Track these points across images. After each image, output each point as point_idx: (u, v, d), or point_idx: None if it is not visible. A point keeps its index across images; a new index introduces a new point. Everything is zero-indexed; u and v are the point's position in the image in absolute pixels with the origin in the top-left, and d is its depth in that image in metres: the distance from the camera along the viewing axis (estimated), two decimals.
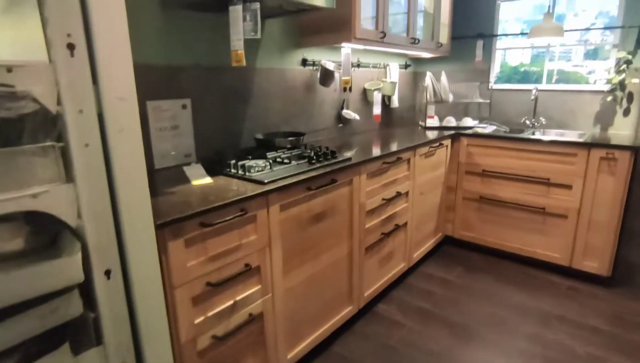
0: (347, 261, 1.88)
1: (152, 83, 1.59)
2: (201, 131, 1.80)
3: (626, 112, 2.64)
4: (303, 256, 1.60)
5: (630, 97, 2.60)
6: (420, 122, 3.20)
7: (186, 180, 1.47)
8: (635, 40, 2.53)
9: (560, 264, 2.51)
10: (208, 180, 1.46)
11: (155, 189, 1.35)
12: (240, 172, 1.51)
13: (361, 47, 2.34)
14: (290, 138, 1.83)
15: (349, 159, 1.78)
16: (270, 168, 1.54)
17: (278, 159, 1.69)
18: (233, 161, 1.56)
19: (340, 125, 2.64)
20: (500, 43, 3.06)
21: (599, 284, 2.41)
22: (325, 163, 1.68)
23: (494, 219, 2.71)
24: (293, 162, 1.65)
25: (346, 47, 2.30)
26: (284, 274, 1.51)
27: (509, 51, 3.08)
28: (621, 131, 2.66)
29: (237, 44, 1.38)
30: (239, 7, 1.35)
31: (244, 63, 1.42)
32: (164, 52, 1.62)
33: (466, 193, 2.79)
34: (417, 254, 2.53)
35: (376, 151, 2.01)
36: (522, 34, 2.93)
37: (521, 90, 2.95)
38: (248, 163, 1.56)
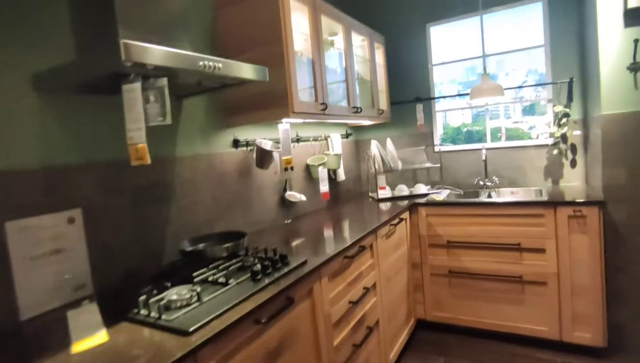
0: None
1: (19, 195, 1.11)
2: (102, 249, 1.31)
3: (573, 164, 2.59)
4: None
5: (573, 149, 2.57)
6: (370, 194, 2.94)
7: (65, 340, 0.96)
8: (567, 94, 2.56)
9: (549, 338, 2.22)
10: (100, 337, 0.96)
11: None
12: (153, 314, 1.03)
13: (300, 120, 2.06)
14: (226, 245, 1.40)
15: (304, 262, 1.38)
16: (199, 299, 1.09)
17: (210, 279, 1.24)
18: (143, 297, 1.09)
19: (284, 210, 2.27)
20: (439, 105, 2.99)
21: (596, 356, 2.14)
22: (276, 274, 1.26)
23: (467, 294, 2.41)
24: (232, 281, 1.21)
25: (284, 123, 2.00)
26: None
27: (449, 113, 3.02)
28: (572, 182, 2.59)
29: (137, 135, 0.98)
30: (137, 86, 0.97)
31: (148, 160, 1.01)
32: (41, 151, 1.17)
33: (433, 269, 2.49)
34: (393, 354, 2.11)
35: (333, 243, 1.64)
36: (460, 95, 2.89)
37: (469, 150, 2.84)
38: (166, 295, 1.10)
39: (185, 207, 1.63)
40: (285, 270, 1.30)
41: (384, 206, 2.47)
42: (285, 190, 2.26)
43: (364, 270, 1.81)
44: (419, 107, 2.96)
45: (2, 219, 1.08)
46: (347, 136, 3.06)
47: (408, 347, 2.40)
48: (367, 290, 1.78)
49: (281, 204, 2.25)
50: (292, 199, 2.23)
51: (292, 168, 2.28)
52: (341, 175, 2.79)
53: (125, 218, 1.39)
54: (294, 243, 1.70)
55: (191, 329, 0.93)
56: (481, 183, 2.76)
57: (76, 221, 1.26)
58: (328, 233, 1.86)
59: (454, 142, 3.00)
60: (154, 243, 1.49)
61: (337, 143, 2.74)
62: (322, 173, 2.42)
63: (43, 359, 0.89)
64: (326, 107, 1.99)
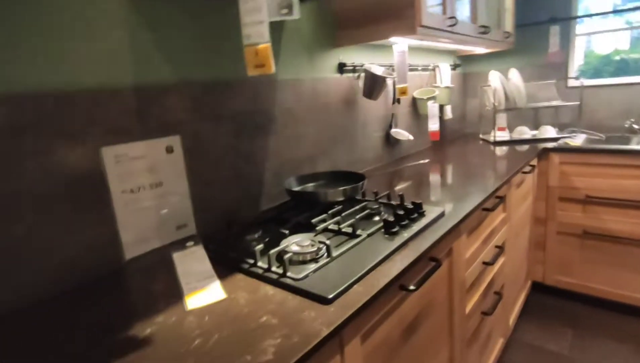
0: None
1: (111, 118, 0.92)
2: (201, 184, 1.13)
3: None
4: None
5: None
6: (482, 136, 2.51)
7: (176, 292, 0.79)
8: None
9: None
10: (216, 291, 0.78)
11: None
12: (274, 268, 0.82)
13: (416, 42, 1.67)
14: (344, 187, 1.14)
15: (442, 214, 1.09)
16: (328, 254, 0.85)
17: (332, 228, 1.01)
18: (260, 246, 0.88)
19: (389, 149, 1.96)
20: (580, 28, 2.37)
21: None
22: (414, 227, 0.99)
23: (605, 260, 1.99)
24: (360, 232, 0.96)
25: (400, 44, 1.63)
26: None
27: (595, 37, 2.39)
28: None
29: (256, 32, 0.71)
30: None
31: (271, 68, 0.75)
32: (131, 67, 0.96)
33: (562, 226, 2.08)
34: (512, 320, 1.82)
35: (462, 191, 1.32)
36: (618, 11, 2.24)
37: (620, 85, 2.25)
38: (287, 245, 0.88)
39: (286, 140, 1.39)
40: (424, 222, 1.02)
41: (501, 150, 2.06)
42: (391, 127, 1.93)
43: (497, 225, 1.48)
44: (554, 30, 2.36)
45: (97, 145, 0.90)
46: (454, 67, 2.59)
47: (524, 312, 2.09)
48: (499, 248, 1.47)
49: (386, 142, 1.94)
50: (398, 138, 1.91)
51: (398, 101, 1.93)
52: (448, 112, 2.38)
53: (224, 150, 1.18)
54: (412, 189, 1.41)
55: (330, 295, 0.70)
56: (635, 126, 2.19)
57: (175, 151, 1.07)
58: (448, 179, 1.54)
59: (597, 75, 2.39)
60: (255, 181, 1.28)
61: (446, 75, 2.31)
62: (432, 109, 2.05)
63: (156, 313, 0.72)
64: (456, 23, 1.57)
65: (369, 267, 0.80)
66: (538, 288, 2.27)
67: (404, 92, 1.66)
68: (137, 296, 0.80)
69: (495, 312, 1.53)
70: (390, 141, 1.96)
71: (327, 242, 0.86)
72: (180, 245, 1.05)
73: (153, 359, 0.60)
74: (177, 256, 0.97)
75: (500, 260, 1.54)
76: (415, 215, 1.05)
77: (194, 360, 0.58)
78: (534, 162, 1.97)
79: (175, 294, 0.79)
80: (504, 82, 2.24)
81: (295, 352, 0.58)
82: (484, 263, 1.34)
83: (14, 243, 0.78)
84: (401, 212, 1.01)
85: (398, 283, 0.84)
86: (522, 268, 1.96)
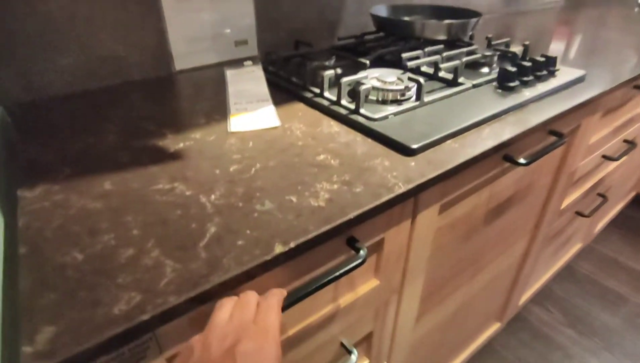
0: (515, 268, 1.03)
1: None
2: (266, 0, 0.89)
3: None
4: (452, 284, 0.78)
5: None
6: None
7: (221, 111, 0.65)
8: None
9: None
10: (268, 120, 0.62)
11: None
12: (345, 102, 0.63)
13: None
14: (448, 21, 0.85)
15: (581, 78, 0.79)
16: (418, 97, 0.64)
17: (426, 70, 0.77)
18: (329, 72, 0.68)
19: None
20: None
21: None
22: (539, 87, 0.72)
23: None
24: (463, 80, 0.72)
25: None
26: (416, 322, 0.73)
27: None
28: None
29: None
30: None
31: None
32: None
33: None
34: (600, 226, 1.58)
35: (621, 60, 0.95)
36: None
37: None
38: (365, 78, 0.66)
39: None
40: (554, 84, 0.74)
41: None
42: None
43: (636, 115, 1.13)
44: None
45: None
46: None
47: (612, 223, 1.82)
48: (628, 144, 1.15)
49: None
50: None
51: None
52: None
53: None
54: (539, 43, 1.06)
55: (415, 145, 0.51)
56: None
57: None
58: (592, 38, 1.14)
59: None
60: (333, 3, 1.01)
61: None
62: None
63: (194, 128, 0.60)
64: None
65: (470, 123, 0.58)
66: (639, 202, 1.93)
67: None
68: (177, 106, 0.67)
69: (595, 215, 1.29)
70: None
71: (421, 80, 0.63)
72: (237, 63, 0.89)
73: (180, 175, 0.48)
74: (231, 74, 0.81)
75: (622, 159, 1.22)
76: (544, 73, 0.76)
77: (225, 186, 0.46)
78: None
79: (220, 113, 0.65)
80: None
81: (356, 204, 0.42)
82: (604, 156, 1.06)
83: (55, 24, 0.65)
84: (527, 64, 0.73)
85: (504, 152, 0.63)
86: (634, 174, 1.62)
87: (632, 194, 1.82)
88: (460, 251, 0.72)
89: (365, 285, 0.55)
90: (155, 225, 0.40)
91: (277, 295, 0.35)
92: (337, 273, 0.41)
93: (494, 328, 1.17)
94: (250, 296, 0.34)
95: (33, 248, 0.38)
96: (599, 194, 1.24)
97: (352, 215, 0.41)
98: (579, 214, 1.15)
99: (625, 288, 1.46)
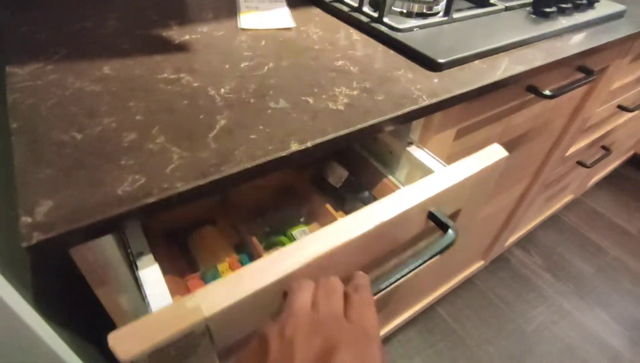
0: (509, 209, 1.04)
1: None
2: None
3: None
4: None
5: None
6: None
7: (231, 8, 0.59)
8: None
9: None
10: (282, 21, 0.56)
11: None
12: (367, 9, 0.58)
13: None
14: None
15: (621, 14, 0.73)
16: (447, 11, 0.58)
17: None
18: None
19: None
20: None
21: None
22: (576, 16, 0.66)
23: None
24: (496, 2, 0.66)
25: None
26: None
27: None
28: None
29: None
30: None
31: None
32: None
33: None
34: (593, 181, 1.59)
35: None
36: None
37: None
38: None
39: None
40: (592, 15, 0.68)
41: None
42: None
43: None
44: None
45: None
46: None
47: (604, 179, 1.84)
48: None
49: None
50: None
51: None
52: None
53: None
54: None
55: (442, 59, 0.48)
56: None
57: None
58: None
59: None
60: None
61: None
62: None
63: (201, 22, 0.54)
64: None
65: (499, 45, 0.54)
66: (635, 162, 1.94)
67: None
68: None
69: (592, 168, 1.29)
70: None
71: None
72: None
73: (186, 66, 0.44)
74: None
75: (629, 114, 1.19)
76: (584, 1, 0.70)
77: (236, 81, 0.42)
78: None
79: (229, 9, 0.59)
80: None
81: (378, 111, 0.39)
82: (619, 107, 1.02)
83: None
84: None
85: (529, 82, 0.59)
86: (637, 133, 1.60)
87: (631, 153, 1.82)
88: None
89: None
90: (160, 113, 0.37)
91: (368, 287, 0.28)
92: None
93: (477, 265, 1.21)
94: (335, 283, 0.27)
95: (26, 123, 0.35)
96: (603, 147, 1.23)
97: (372, 122, 0.38)
98: (580, 164, 1.15)
99: (606, 242, 1.51)
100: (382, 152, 0.54)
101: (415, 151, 0.48)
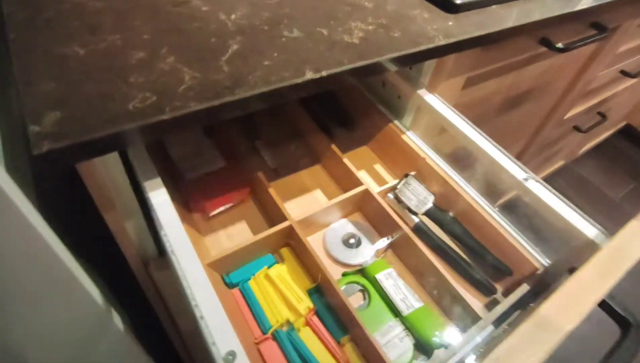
0: None
1: None
2: None
3: None
4: None
5: None
6: None
7: None
8: None
9: None
10: None
11: None
12: None
13: None
14: None
15: None
16: None
17: None
18: None
19: None
20: None
21: None
22: None
23: None
24: None
25: None
26: None
27: None
28: None
29: None
30: None
31: None
32: None
33: None
34: (584, 148, 1.62)
35: None
36: None
37: None
38: None
39: None
40: None
41: None
42: None
43: None
44: None
45: None
46: None
47: (595, 148, 1.87)
48: None
49: None
50: None
51: None
52: None
53: None
54: None
55: (460, 1, 0.46)
56: None
57: None
58: None
59: None
60: None
61: None
62: None
63: None
64: None
65: None
66: (626, 133, 1.96)
67: None
68: None
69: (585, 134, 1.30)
70: None
71: None
72: None
73: None
74: None
75: (632, 80, 1.19)
76: None
77: (248, 8, 0.40)
78: None
79: None
80: None
81: (393, 47, 0.38)
82: (622, 72, 1.02)
83: None
84: None
85: (541, 34, 0.58)
86: (632, 103, 1.61)
87: (623, 123, 1.84)
88: None
89: None
90: (170, 34, 0.35)
91: None
92: None
93: None
94: None
95: (23, 35, 0.33)
96: (599, 113, 1.23)
97: (389, 56, 0.37)
98: (576, 129, 1.16)
99: (589, 208, 1.55)
100: (389, 97, 0.53)
101: (425, 94, 0.47)
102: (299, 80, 0.32)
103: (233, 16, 0.39)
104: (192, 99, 0.29)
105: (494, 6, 0.50)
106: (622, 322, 0.28)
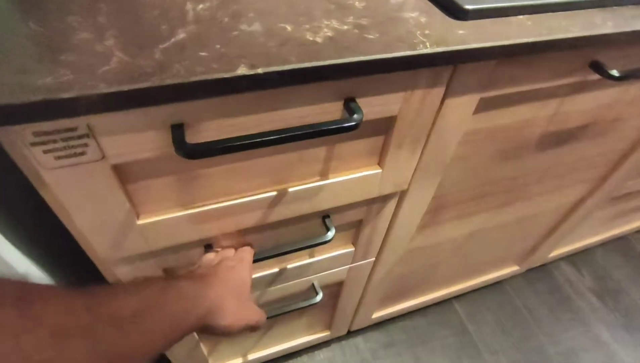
0: (557, 216, 0.91)
1: None
2: None
3: None
4: (473, 204, 0.70)
5: None
6: None
7: None
8: None
9: None
10: None
11: None
12: None
13: None
14: None
15: None
16: None
17: None
18: None
19: None
20: None
21: None
22: None
23: None
24: None
25: None
26: (418, 231, 0.68)
27: None
28: None
29: None
30: None
31: None
32: None
33: None
34: None
35: None
36: None
37: None
38: None
39: None
40: None
41: None
42: None
43: None
44: None
45: None
46: None
47: None
48: None
49: None
50: None
51: None
52: None
53: None
54: None
55: (469, 6, 0.39)
56: None
57: None
58: None
59: None
60: None
61: None
62: None
63: None
64: None
65: (557, 0, 0.44)
66: None
67: None
68: None
69: None
70: None
71: None
72: None
73: None
74: None
75: None
76: None
77: (220, 0, 0.38)
78: None
79: None
80: None
81: (358, 50, 0.33)
82: None
83: None
84: None
85: (591, 58, 0.48)
86: None
87: None
88: (494, 169, 0.62)
89: (364, 168, 0.49)
90: (126, 19, 0.35)
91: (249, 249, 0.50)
92: (313, 130, 0.35)
93: (510, 269, 1.10)
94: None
95: None
96: None
97: (348, 59, 0.32)
98: None
99: None
100: None
101: None
102: (227, 75, 0.29)
103: (201, 6, 0.37)
104: (104, 81, 0.28)
105: (520, 16, 0.42)
106: None
